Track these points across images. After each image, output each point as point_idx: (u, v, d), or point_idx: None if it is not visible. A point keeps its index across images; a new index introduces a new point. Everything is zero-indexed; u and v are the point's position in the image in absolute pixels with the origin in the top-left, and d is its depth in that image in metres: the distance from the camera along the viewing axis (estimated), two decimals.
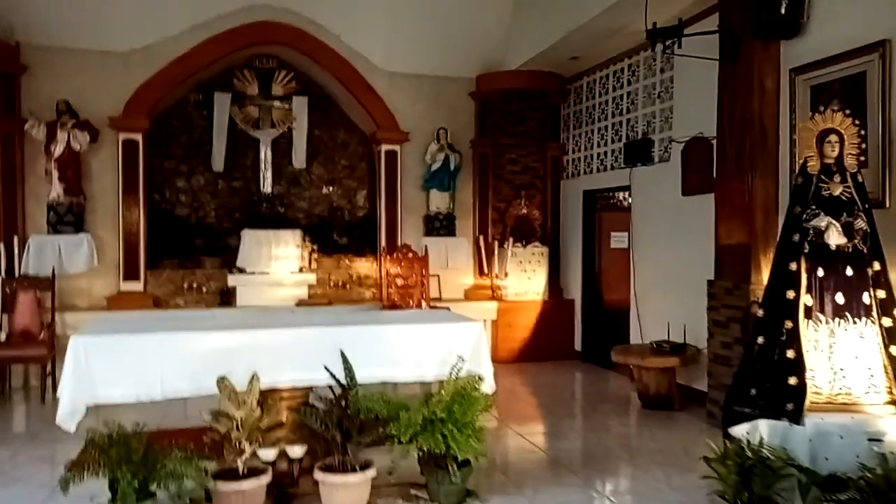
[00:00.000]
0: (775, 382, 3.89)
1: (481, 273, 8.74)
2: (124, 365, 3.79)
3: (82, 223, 7.27)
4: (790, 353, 3.91)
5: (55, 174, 7.04)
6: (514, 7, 8.15)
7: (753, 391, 3.99)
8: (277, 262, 7.99)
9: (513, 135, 8.94)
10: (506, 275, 8.51)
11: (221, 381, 3.72)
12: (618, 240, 8.06)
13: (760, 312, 4.21)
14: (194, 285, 7.75)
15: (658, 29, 5.57)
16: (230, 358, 3.93)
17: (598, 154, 8.31)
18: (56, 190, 7.06)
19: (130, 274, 7.49)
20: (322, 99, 8.93)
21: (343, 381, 3.92)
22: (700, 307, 5.87)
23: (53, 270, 6.82)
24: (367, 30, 8.22)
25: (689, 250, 6.46)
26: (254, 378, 3.78)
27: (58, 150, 7.01)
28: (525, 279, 8.62)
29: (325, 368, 3.87)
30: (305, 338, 4.16)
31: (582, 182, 8.64)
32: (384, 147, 8.46)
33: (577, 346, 8.70)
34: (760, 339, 4.09)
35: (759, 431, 3.82)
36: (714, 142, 6.00)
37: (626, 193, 7.76)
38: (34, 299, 6.63)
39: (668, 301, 6.78)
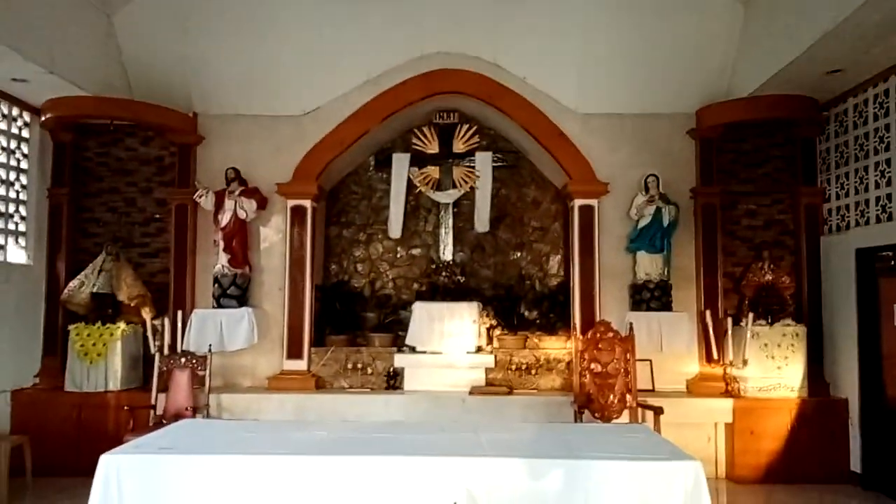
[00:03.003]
0: None
1: (709, 359, 6.71)
2: (167, 496, 2.75)
3: (246, 296, 6.82)
4: None
5: (221, 244, 6.70)
6: (743, 16, 6.37)
7: None
8: (451, 339, 6.82)
9: (749, 180, 7.02)
10: (744, 362, 6.38)
11: None
12: None
13: None
14: (359, 365, 6.85)
15: None
16: (311, 494, 2.72)
17: (878, 198, 6.02)
18: (221, 261, 6.71)
19: (294, 352, 6.82)
20: (509, 153, 7.79)
21: None
22: None
23: (210, 348, 6.34)
24: (556, 67, 6.97)
25: None
26: None
27: (224, 219, 6.70)
28: (773, 368, 6.40)
29: None
30: (421, 471, 2.80)
31: (853, 237, 6.34)
32: (578, 202, 6.97)
33: (855, 465, 6.19)
34: None
35: None
36: None
37: None
38: (190, 378, 6.16)
39: None
